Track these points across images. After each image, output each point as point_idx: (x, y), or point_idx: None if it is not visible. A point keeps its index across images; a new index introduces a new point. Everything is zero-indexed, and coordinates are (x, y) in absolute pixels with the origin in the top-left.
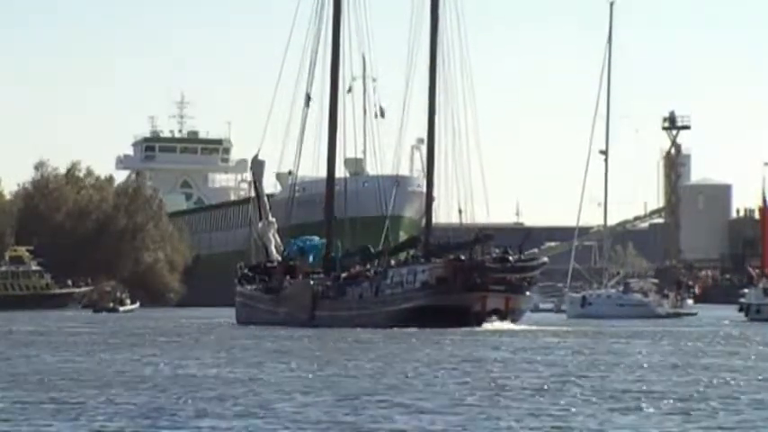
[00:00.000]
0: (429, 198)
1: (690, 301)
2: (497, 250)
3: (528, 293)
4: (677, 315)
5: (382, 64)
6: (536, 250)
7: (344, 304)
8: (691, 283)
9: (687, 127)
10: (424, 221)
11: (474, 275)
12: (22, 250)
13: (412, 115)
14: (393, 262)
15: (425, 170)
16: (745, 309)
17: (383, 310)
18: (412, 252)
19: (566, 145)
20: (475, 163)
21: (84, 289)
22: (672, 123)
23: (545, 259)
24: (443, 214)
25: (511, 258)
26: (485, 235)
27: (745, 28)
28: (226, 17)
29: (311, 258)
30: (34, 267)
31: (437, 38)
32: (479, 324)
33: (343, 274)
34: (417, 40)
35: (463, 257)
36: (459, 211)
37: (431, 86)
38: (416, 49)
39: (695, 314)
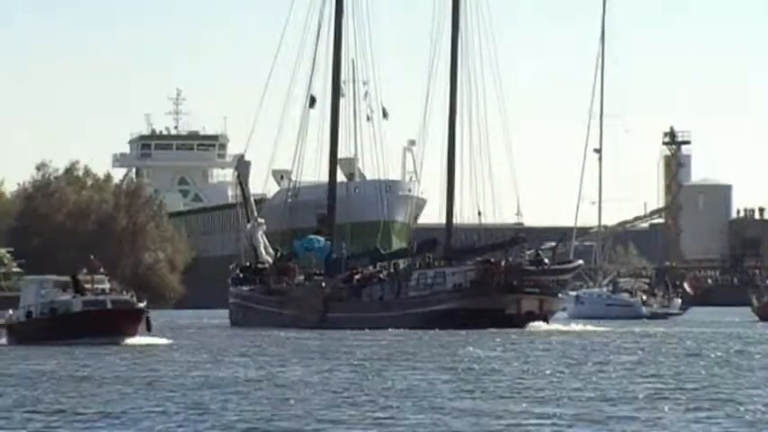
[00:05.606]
0: (450, 201)
1: (678, 301)
2: (529, 252)
3: (560, 295)
4: (664, 315)
5: (391, 66)
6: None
7: (361, 306)
8: (678, 282)
9: (687, 142)
10: (432, 224)
11: (509, 278)
12: (2, 251)
13: (416, 116)
14: (402, 264)
15: (446, 171)
16: None
17: (409, 312)
18: (431, 255)
19: (566, 144)
20: (504, 163)
21: None
22: (672, 139)
23: (580, 261)
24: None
25: (546, 261)
26: (520, 237)
27: (746, 27)
28: (223, 11)
29: (321, 257)
30: (14, 269)
31: (458, 36)
32: (521, 326)
33: (357, 276)
34: (439, 39)
35: (492, 260)
36: (479, 213)
37: (452, 87)
38: (437, 49)
39: (682, 314)
